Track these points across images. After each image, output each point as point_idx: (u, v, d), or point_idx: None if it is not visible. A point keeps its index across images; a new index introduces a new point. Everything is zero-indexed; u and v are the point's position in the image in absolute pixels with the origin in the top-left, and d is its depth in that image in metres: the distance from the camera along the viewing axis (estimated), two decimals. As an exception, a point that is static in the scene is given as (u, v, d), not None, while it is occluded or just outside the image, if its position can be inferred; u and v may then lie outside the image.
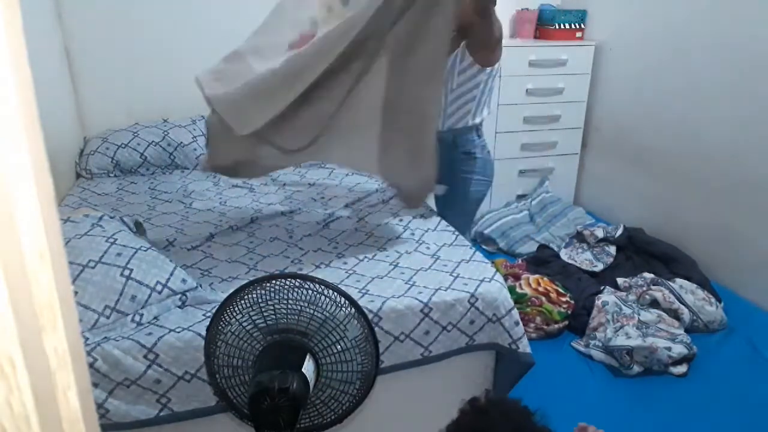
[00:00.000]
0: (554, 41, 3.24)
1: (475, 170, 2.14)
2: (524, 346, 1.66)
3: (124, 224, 1.70)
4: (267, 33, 1.89)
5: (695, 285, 2.37)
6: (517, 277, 2.36)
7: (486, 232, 3.05)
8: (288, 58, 1.63)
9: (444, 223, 2.10)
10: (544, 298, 2.24)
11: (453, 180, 2.18)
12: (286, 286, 1.15)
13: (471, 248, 1.89)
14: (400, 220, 2.13)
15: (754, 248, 2.47)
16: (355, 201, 2.34)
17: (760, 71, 2.35)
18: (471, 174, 2.14)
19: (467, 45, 1.99)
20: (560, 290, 2.30)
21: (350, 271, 1.74)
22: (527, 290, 2.27)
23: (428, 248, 1.89)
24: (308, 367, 1.08)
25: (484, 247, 3.02)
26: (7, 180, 0.32)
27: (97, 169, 2.69)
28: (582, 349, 2.17)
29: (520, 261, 2.67)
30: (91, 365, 1.30)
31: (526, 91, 3.17)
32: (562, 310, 2.24)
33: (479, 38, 1.93)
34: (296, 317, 1.13)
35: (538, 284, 2.30)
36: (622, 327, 2.14)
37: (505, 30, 3.48)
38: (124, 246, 1.52)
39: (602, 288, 2.45)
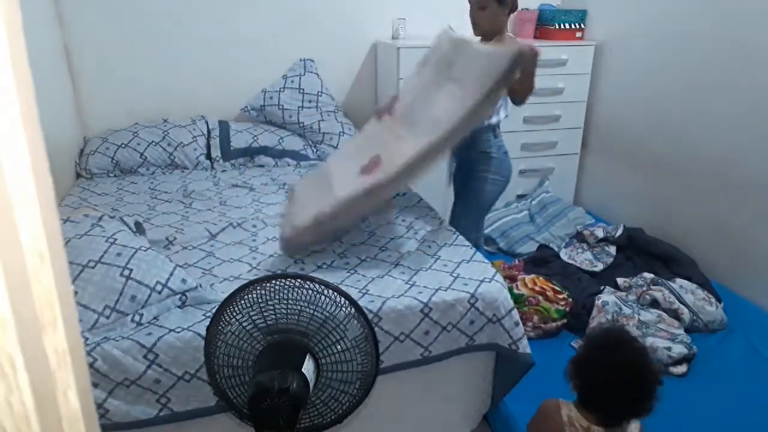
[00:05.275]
0: (554, 41, 3.24)
1: (490, 169, 2.19)
2: (524, 347, 1.66)
3: (124, 224, 1.70)
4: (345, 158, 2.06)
5: (695, 285, 2.37)
6: (513, 279, 2.36)
7: (486, 232, 3.04)
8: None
9: (445, 223, 2.10)
10: (541, 297, 2.24)
11: (470, 178, 2.24)
12: (286, 286, 1.15)
13: (471, 248, 1.89)
14: (403, 221, 2.13)
15: (754, 248, 2.46)
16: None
17: (760, 71, 2.35)
18: (487, 172, 2.19)
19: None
20: (557, 288, 2.29)
21: (351, 271, 1.74)
22: (524, 290, 2.27)
23: (429, 248, 1.89)
24: (308, 367, 1.08)
25: (484, 247, 3.02)
26: (7, 180, 0.32)
27: (97, 169, 2.69)
28: (582, 349, 2.16)
29: (517, 261, 2.67)
30: (91, 365, 1.30)
31: (526, 90, 3.17)
32: (560, 307, 2.24)
33: (519, 90, 1.98)
34: (296, 317, 1.13)
35: (534, 284, 2.30)
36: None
37: (505, 30, 3.48)
38: (124, 246, 1.52)
39: (602, 288, 2.45)
